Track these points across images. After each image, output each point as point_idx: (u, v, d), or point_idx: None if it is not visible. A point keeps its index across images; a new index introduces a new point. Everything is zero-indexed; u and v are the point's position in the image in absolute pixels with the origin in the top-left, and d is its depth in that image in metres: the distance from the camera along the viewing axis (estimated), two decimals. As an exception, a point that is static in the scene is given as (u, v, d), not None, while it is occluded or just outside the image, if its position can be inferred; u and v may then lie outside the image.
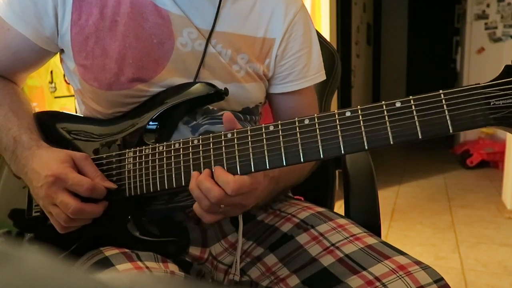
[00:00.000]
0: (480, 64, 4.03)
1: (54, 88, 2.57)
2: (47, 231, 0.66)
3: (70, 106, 2.48)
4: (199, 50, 0.67)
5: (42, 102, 2.55)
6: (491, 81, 0.47)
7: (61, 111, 0.74)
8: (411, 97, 0.49)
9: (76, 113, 0.75)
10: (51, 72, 2.53)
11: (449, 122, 0.47)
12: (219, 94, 0.64)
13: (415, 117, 0.49)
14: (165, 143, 0.61)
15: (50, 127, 0.70)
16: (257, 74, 0.72)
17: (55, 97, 2.58)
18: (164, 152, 0.60)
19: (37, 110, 0.74)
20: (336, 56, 1.00)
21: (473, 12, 4.02)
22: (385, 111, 0.50)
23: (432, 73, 5.77)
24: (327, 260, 0.62)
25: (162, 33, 0.65)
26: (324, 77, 0.80)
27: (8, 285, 0.15)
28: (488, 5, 3.94)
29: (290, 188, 0.78)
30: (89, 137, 0.68)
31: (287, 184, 0.73)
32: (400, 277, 0.56)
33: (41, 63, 0.73)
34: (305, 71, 0.76)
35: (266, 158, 0.54)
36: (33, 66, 0.73)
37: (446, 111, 0.48)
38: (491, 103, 0.46)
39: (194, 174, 0.57)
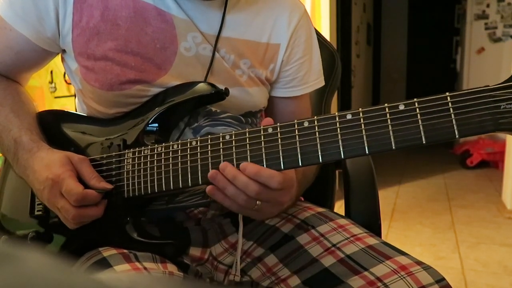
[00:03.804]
0: (480, 64, 4.04)
1: (54, 88, 2.57)
2: (49, 230, 0.66)
3: (70, 106, 2.48)
4: (203, 54, 0.66)
5: (42, 102, 2.55)
6: (501, 83, 0.44)
7: (64, 110, 0.74)
8: (415, 99, 0.47)
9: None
10: (51, 72, 2.53)
11: (455, 126, 0.45)
12: (220, 94, 0.64)
13: (419, 121, 0.46)
14: (163, 144, 0.60)
15: (53, 126, 0.70)
16: (259, 79, 0.72)
17: (55, 97, 2.58)
18: (163, 154, 0.60)
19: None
20: (336, 56, 1.00)
21: (473, 12, 4.02)
22: (387, 114, 0.48)
23: (432, 73, 5.77)
24: (328, 261, 0.62)
25: (165, 38, 0.64)
26: (323, 83, 0.80)
27: (8, 285, 0.15)
28: (488, 5, 3.94)
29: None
30: (91, 137, 0.68)
31: (303, 190, 0.72)
32: (401, 277, 0.56)
33: (44, 63, 0.73)
34: (306, 77, 0.77)
35: (264, 162, 0.53)
36: (36, 66, 0.73)
37: (453, 115, 0.45)
38: (501, 106, 0.43)
39: (221, 168, 0.54)
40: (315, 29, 0.83)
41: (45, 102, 2.56)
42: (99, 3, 0.63)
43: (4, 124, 0.65)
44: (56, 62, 0.74)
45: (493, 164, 3.68)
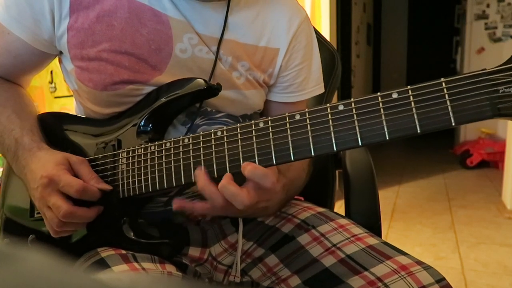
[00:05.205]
0: (480, 64, 4.03)
1: (54, 88, 2.57)
2: (48, 233, 0.66)
3: (70, 106, 2.48)
4: (199, 56, 0.66)
5: (42, 102, 2.55)
6: (500, 65, 0.41)
7: (64, 112, 0.74)
8: (409, 87, 0.45)
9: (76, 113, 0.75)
10: (51, 72, 2.53)
11: (451, 114, 0.43)
12: (212, 90, 0.63)
13: (413, 109, 0.44)
14: (156, 142, 0.60)
15: (53, 128, 0.70)
16: (257, 81, 0.72)
17: (55, 97, 2.59)
18: (156, 152, 0.59)
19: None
20: (336, 56, 1.00)
21: (473, 12, 4.03)
22: (380, 104, 0.46)
23: (432, 73, 5.70)
24: (328, 261, 0.62)
25: (161, 39, 0.64)
26: (322, 90, 0.80)
27: (8, 285, 0.15)
28: (488, 5, 3.95)
29: (291, 200, 0.75)
30: (88, 137, 0.68)
31: (291, 195, 0.71)
32: (402, 277, 0.56)
33: (43, 65, 0.73)
34: (304, 84, 0.76)
35: (256, 157, 0.52)
36: (35, 68, 0.73)
37: (448, 102, 0.43)
38: (500, 90, 0.41)
39: (199, 174, 0.54)
40: (316, 29, 0.82)
41: (45, 102, 2.56)
42: (95, 5, 0.63)
43: (6, 124, 0.66)
44: (56, 63, 0.74)
45: (493, 164, 3.68)
